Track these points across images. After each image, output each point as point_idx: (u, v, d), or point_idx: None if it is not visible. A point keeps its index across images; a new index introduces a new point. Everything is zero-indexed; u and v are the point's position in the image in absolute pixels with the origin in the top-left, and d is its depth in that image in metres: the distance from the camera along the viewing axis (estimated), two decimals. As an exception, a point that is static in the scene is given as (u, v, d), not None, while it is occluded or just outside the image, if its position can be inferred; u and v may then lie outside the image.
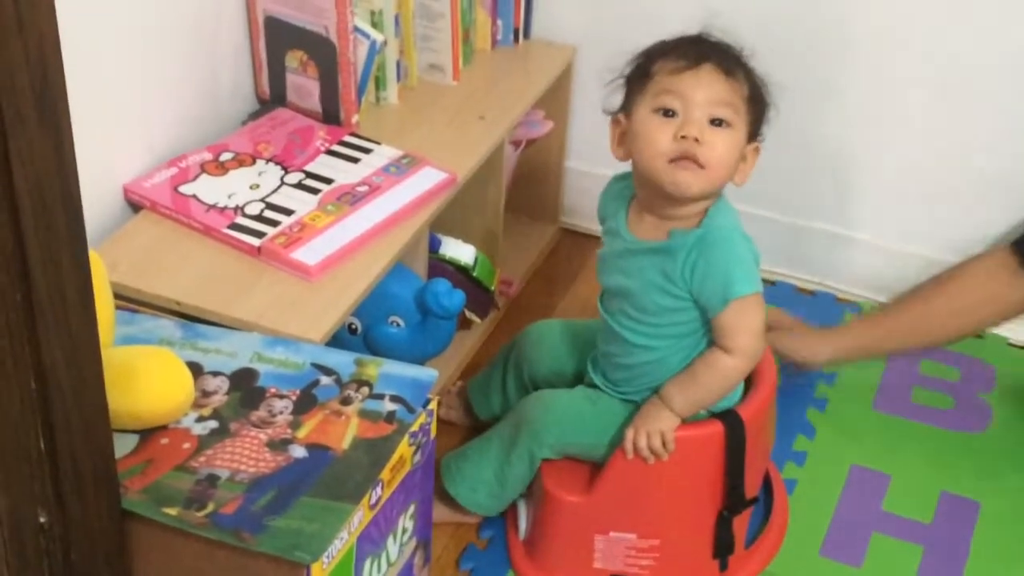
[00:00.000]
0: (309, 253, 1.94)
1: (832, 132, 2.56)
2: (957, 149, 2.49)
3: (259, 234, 1.97)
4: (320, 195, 2.06)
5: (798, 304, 2.64)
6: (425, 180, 2.12)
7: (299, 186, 2.08)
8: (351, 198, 2.06)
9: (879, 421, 2.39)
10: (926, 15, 2.39)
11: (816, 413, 2.39)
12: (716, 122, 1.81)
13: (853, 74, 2.49)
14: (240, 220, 2.00)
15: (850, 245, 2.64)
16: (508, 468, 2.01)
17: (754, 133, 1.87)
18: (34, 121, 1.18)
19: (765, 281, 2.67)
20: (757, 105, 1.86)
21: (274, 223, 1.99)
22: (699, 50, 1.84)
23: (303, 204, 2.04)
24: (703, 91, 1.81)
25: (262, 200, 2.04)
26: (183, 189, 2.04)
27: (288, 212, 2.02)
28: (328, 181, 2.10)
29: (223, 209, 2.01)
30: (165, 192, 2.03)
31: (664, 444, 1.89)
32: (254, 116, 2.25)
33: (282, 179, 2.10)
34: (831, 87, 2.51)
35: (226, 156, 2.13)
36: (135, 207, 2.05)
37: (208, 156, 2.12)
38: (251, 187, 2.07)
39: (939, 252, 2.53)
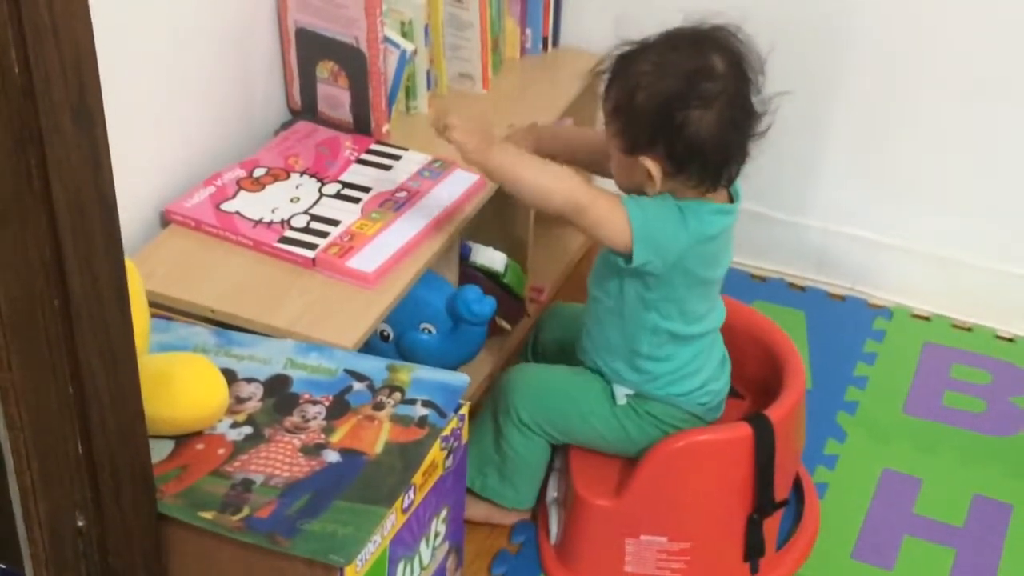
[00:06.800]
0: (365, 261, 1.96)
1: (872, 139, 2.57)
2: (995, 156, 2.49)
3: (311, 246, 1.99)
4: (361, 203, 2.08)
5: (829, 310, 2.65)
6: (460, 182, 2.15)
7: (338, 196, 2.10)
8: (394, 204, 2.08)
9: (910, 425, 2.39)
10: None
11: (847, 416, 2.39)
12: None
13: (900, 81, 2.49)
14: (289, 233, 2.01)
15: (882, 250, 2.64)
16: (502, 439, 2.04)
17: (636, 145, 1.86)
18: (71, 132, 1.20)
19: (794, 287, 2.70)
20: (621, 116, 1.86)
21: (323, 234, 2.01)
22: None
23: (347, 214, 2.06)
24: None
25: (306, 212, 2.06)
26: (225, 207, 2.06)
27: (334, 223, 2.04)
28: (366, 189, 2.12)
29: (270, 224, 2.03)
30: (208, 211, 2.05)
31: (445, 128, 1.92)
32: (285, 126, 2.28)
33: (320, 191, 2.12)
34: (880, 95, 2.51)
35: (259, 171, 2.15)
36: (165, 222, 2.07)
37: (242, 173, 2.14)
38: (291, 200, 2.08)
39: (975, 258, 2.55)
